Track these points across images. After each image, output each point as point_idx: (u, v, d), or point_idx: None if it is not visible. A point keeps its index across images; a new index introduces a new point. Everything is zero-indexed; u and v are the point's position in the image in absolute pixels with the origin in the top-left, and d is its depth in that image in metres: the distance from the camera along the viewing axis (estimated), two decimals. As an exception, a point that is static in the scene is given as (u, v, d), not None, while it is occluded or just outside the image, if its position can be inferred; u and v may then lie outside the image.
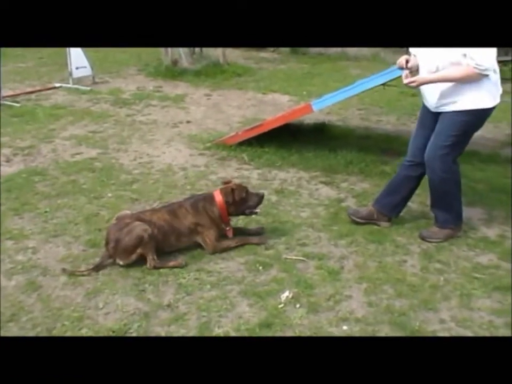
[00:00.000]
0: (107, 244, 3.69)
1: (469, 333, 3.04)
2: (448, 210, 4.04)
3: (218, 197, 3.91)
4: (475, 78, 3.56)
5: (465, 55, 3.49)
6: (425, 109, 3.99)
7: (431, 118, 3.91)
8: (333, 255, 3.85)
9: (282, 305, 3.25)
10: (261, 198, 4.05)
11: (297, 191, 4.98)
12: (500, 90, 3.75)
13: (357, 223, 4.24)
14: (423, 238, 4.06)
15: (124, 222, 3.76)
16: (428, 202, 4.68)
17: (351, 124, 7.25)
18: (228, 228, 3.95)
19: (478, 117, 3.75)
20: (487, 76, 3.56)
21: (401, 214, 4.47)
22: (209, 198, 3.96)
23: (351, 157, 5.70)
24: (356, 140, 6.47)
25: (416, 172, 4.07)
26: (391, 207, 4.21)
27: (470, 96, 3.66)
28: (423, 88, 3.85)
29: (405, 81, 3.77)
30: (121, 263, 3.67)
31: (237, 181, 4.41)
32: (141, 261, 3.64)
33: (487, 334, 3.03)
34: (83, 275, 3.56)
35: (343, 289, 3.44)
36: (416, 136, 4.08)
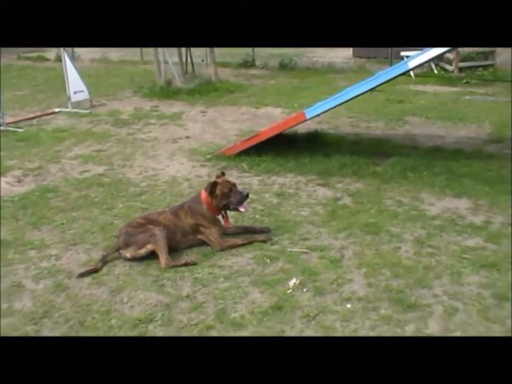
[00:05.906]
0: (118, 237, 4.06)
1: (460, 305, 3.37)
2: None
3: (204, 194, 4.22)
4: None
5: None
6: None
7: None
8: (333, 246, 4.18)
9: (290, 290, 3.57)
10: (244, 197, 4.21)
11: (296, 193, 5.32)
12: None
13: None
14: None
15: (135, 221, 4.18)
16: (420, 196, 5.07)
17: (342, 131, 7.63)
18: (224, 219, 4.25)
19: None
20: None
21: (394, 208, 4.82)
22: (197, 197, 4.28)
23: (344, 161, 6.06)
24: (348, 145, 6.84)
25: None
26: None
27: None
28: None
29: None
30: (128, 255, 3.98)
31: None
32: (157, 260, 3.95)
33: (476, 304, 3.37)
34: (96, 271, 3.87)
35: (345, 274, 3.76)
36: None
